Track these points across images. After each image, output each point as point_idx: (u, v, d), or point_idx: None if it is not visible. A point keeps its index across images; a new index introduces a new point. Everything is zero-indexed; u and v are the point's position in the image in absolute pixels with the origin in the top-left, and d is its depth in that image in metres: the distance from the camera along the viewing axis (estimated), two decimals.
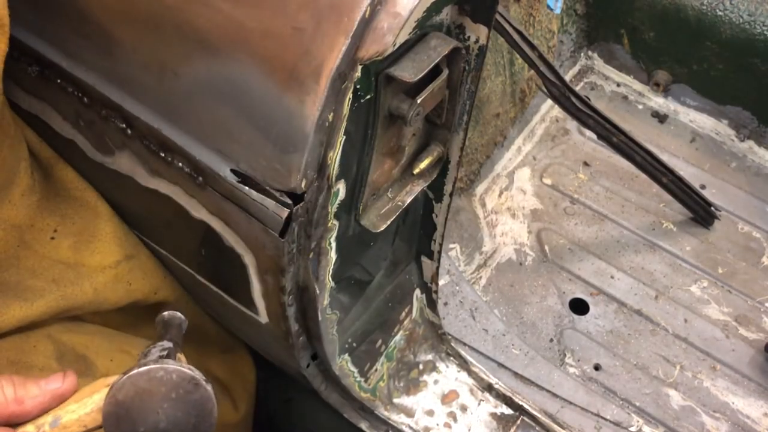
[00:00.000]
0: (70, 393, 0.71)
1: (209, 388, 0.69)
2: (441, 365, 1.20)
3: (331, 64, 0.68)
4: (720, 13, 1.81)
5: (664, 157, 1.70)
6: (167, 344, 0.74)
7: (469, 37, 0.84)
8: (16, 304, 0.89)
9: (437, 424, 1.15)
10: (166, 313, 0.79)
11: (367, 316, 1.10)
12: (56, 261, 0.96)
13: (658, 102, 2.00)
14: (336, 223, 0.83)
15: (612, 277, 1.65)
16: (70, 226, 0.97)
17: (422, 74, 0.76)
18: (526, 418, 1.18)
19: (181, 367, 0.68)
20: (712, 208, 1.72)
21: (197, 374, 0.68)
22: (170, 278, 1.07)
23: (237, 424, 1.25)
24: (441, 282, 1.35)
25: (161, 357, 0.71)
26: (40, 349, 0.92)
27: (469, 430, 1.15)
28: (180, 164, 0.82)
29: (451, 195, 1.01)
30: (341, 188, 0.80)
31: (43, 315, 0.92)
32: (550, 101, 1.80)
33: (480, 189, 1.76)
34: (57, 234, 0.96)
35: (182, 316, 0.80)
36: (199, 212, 0.85)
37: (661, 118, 1.97)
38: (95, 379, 0.73)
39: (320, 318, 0.91)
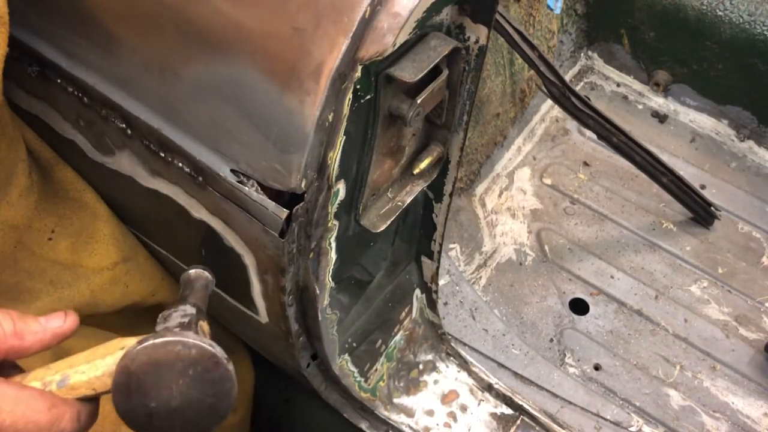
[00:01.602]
0: (70, 333, 0.68)
1: (230, 367, 0.64)
2: (441, 365, 1.20)
3: (331, 64, 0.68)
4: (720, 13, 1.81)
5: (664, 157, 1.70)
6: (190, 309, 0.69)
7: (469, 37, 0.84)
8: (13, 306, 0.89)
9: (437, 424, 1.15)
10: (192, 270, 0.70)
11: (367, 316, 1.10)
12: (54, 262, 0.96)
13: (658, 102, 2.00)
14: (336, 223, 0.83)
15: (612, 277, 1.65)
16: (68, 227, 0.97)
17: (422, 74, 0.76)
18: (526, 418, 1.18)
19: (202, 342, 0.62)
20: (712, 208, 1.72)
21: (218, 351, 0.63)
22: (168, 280, 1.07)
23: (234, 426, 1.25)
24: (441, 282, 1.35)
25: (182, 324, 0.66)
26: None
27: (469, 430, 1.15)
28: (180, 164, 0.82)
29: (451, 195, 1.01)
30: (341, 188, 0.80)
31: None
32: (550, 101, 1.80)
33: (480, 189, 1.76)
34: (55, 234, 0.96)
35: (209, 275, 0.72)
36: (199, 212, 0.85)
37: (661, 118, 1.97)
38: None
39: (320, 318, 0.91)
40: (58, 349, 0.94)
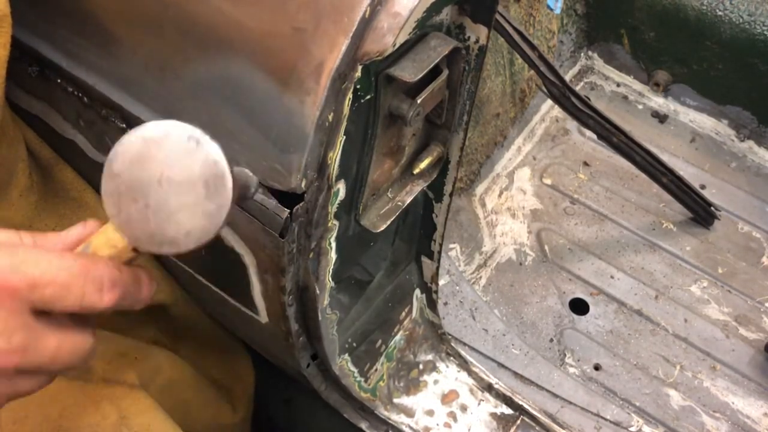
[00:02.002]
0: (90, 236, 0.64)
1: (215, 144, 0.57)
2: (441, 365, 1.20)
3: (331, 64, 0.68)
4: (720, 13, 1.81)
5: (664, 157, 1.70)
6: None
7: (469, 37, 0.84)
8: None
9: (437, 424, 1.15)
10: (234, 169, 0.61)
11: (367, 316, 1.10)
12: None
13: (658, 102, 2.00)
14: (336, 223, 0.83)
15: (612, 277, 1.65)
16: (68, 227, 0.97)
17: (422, 74, 0.76)
18: (526, 418, 1.18)
19: (177, 122, 0.57)
20: (712, 208, 1.72)
21: (197, 130, 0.57)
22: (169, 279, 1.07)
23: (236, 426, 1.25)
24: (441, 282, 1.35)
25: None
26: None
27: (469, 430, 1.15)
28: None
29: (451, 195, 1.01)
30: (341, 188, 0.80)
31: None
32: (550, 101, 1.80)
33: (480, 189, 1.76)
34: None
35: (252, 175, 0.63)
36: None
37: (661, 118, 1.97)
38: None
39: (320, 318, 0.91)
40: None
